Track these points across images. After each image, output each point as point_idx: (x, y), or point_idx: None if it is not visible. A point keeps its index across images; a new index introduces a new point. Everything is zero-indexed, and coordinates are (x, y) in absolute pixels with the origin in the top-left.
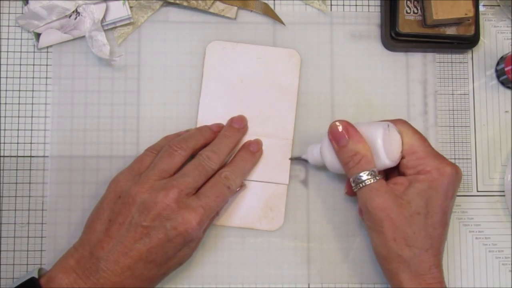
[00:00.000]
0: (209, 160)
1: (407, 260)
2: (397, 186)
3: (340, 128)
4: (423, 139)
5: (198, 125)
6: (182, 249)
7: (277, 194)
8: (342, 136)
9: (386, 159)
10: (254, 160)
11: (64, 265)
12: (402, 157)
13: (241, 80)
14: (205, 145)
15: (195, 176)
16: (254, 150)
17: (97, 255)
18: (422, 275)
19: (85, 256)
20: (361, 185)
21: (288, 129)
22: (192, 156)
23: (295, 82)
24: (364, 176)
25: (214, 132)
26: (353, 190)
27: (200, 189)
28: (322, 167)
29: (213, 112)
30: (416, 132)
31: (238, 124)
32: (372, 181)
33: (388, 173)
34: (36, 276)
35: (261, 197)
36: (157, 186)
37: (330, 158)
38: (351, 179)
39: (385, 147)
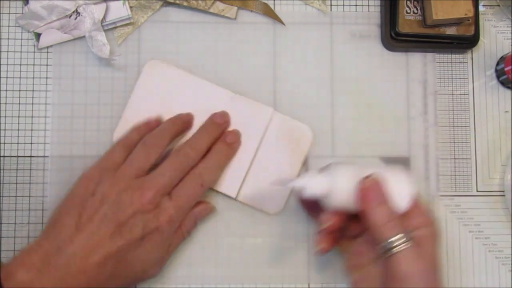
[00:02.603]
0: (187, 157)
1: None
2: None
3: (379, 184)
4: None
5: (115, 140)
6: (151, 253)
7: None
8: (382, 193)
9: (405, 209)
10: (231, 151)
11: (26, 259)
12: None
13: (173, 108)
14: (178, 135)
15: (172, 175)
16: (231, 141)
17: (65, 250)
18: None
19: (50, 251)
20: (394, 250)
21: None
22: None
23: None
24: (401, 239)
25: (186, 122)
26: (381, 256)
27: (174, 189)
28: (312, 199)
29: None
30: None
31: (220, 119)
32: (409, 244)
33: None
34: None
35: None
36: (133, 185)
37: (346, 198)
38: (381, 245)
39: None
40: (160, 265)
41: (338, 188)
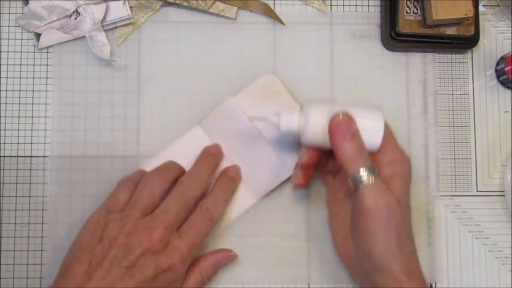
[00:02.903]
0: (190, 188)
1: (405, 256)
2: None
3: (348, 120)
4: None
5: None
6: None
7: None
8: (351, 128)
9: (378, 145)
10: (233, 185)
11: None
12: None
13: None
14: (178, 177)
15: (177, 211)
16: (232, 175)
17: None
18: (416, 272)
19: None
20: (362, 184)
21: None
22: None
23: None
24: (369, 173)
25: (182, 169)
26: (350, 190)
27: (182, 226)
28: (289, 137)
29: None
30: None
31: (214, 150)
32: (376, 179)
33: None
34: None
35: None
36: (140, 226)
37: (318, 135)
38: (350, 178)
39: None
40: None
41: (311, 124)
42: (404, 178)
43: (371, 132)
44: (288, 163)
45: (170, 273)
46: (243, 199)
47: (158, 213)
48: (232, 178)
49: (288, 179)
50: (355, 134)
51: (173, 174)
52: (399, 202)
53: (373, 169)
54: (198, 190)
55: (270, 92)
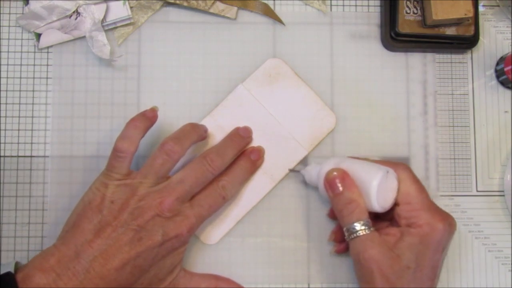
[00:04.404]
0: (212, 165)
1: None
2: (389, 238)
3: (336, 177)
4: (421, 189)
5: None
6: (166, 258)
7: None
8: (337, 185)
9: (376, 205)
10: (253, 169)
11: (43, 263)
12: (396, 204)
13: None
14: (198, 141)
15: (193, 184)
16: (255, 159)
17: (84, 255)
18: None
19: (68, 256)
20: (354, 235)
21: None
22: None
23: None
24: (358, 226)
25: (206, 132)
26: (345, 239)
27: (196, 197)
28: (314, 187)
29: None
30: (415, 181)
31: (244, 133)
32: (366, 232)
33: (379, 214)
34: (12, 270)
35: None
36: (152, 192)
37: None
38: (344, 228)
39: (379, 194)
40: (172, 275)
41: (320, 180)
42: (413, 241)
43: (365, 189)
44: (302, 144)
45: (176, 240)
46: (261, 184)
47: (174, 182)
48: (254, 161)
49: (302, 160)
50: (344, 190)
51: (191, 141)
52: (392, 259)
53: (366, 223)
54: (218, 168)
55: (276, 75)
